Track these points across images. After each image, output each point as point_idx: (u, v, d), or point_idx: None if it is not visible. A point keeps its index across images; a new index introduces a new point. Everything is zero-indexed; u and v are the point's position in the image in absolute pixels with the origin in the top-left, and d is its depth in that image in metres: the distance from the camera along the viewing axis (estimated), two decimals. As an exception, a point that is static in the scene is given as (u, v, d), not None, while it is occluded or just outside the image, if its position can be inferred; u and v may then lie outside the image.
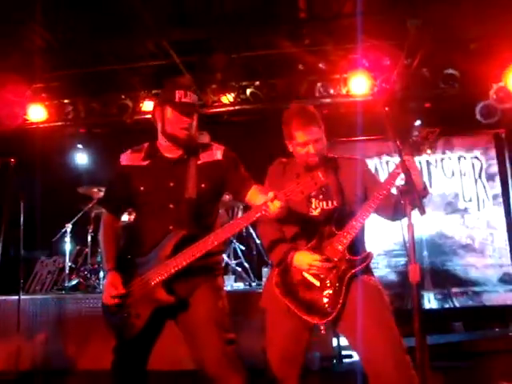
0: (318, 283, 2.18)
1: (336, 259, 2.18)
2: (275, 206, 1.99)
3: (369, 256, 2.21)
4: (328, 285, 2.17)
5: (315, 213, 2.30)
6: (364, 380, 2.17)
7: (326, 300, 2.15)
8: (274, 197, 1.99)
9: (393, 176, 2.17)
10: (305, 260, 2.18)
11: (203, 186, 2.23)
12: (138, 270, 2.18)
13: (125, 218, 5.05)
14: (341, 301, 2.12)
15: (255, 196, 2.24)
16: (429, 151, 2.22)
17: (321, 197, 2.32)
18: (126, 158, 2.34)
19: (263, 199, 2.05)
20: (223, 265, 4.91)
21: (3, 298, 4.78)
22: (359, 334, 2.09)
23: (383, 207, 2.24)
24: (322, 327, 2.14)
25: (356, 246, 2.22)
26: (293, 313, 2.15)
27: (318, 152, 2.27)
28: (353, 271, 2.16)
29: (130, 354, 2.21)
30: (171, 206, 2.21)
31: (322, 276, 2.18)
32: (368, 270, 2.27)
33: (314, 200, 2.31)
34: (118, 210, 2.40)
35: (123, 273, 2.21)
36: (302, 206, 2.28)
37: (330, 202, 2.31)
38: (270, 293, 2.26)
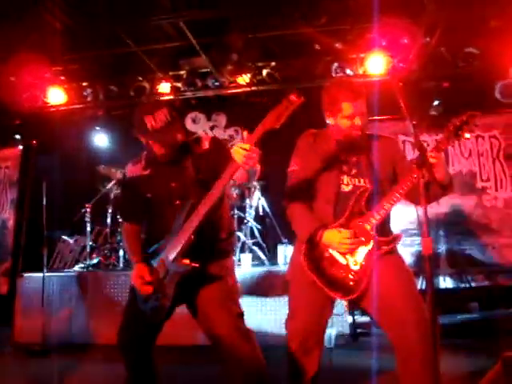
0: (344, 261, 2.21)
1: (364, 238, 2.19)
2: (237, 152, 1.99)
3: (398, 238, 2.23)
4: (354, 263, 2.20)
5: (347, 189, 2.29)
6: (379, 356, 2.22)
7: (351, 278, 2.18)
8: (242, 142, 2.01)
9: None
10: (334, 238, 2.19)
11: (201, 176, 2.33)
12: (159, 255, 2.29)
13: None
14: (366, 279, 2.15)
15: None
16: (467, 135, 2.17)
17: (353, 172, 2.30)
18: (129, 170, 2.50)
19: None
20: (238, 245, 5.04)
21: (28, 274, 4.95)
22: (383, 305, 2.12)
23: (412, 195, 2.20)
24: (345, 304, 2.19)
25: (384, 227, 2.24)
26: (318, 286, 2.19)
27: (363, 125, 2.27)
28: (380, 252, 2.19)
29: (140, 335, 2.32)
30: (177, 202, 2.32)
31: (349, 255, 2.21)
32: (394, 250, 2.28)
33: (345, 176, 2.30)
34: (135, 217, 2.52)
35: (149, 264, 2.32)
36: (334, 181, 2.29)
37: (361, 180, 2.29)
38: (297, 266, 2.29)
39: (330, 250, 2.23)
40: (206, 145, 2.40)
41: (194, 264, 2.17)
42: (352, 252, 2.20)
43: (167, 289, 2.21)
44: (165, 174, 2.37)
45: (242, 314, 2.29)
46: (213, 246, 2.32)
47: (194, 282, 2.23)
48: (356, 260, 2.20)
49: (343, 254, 2.22)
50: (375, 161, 2.31)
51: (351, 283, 2.18)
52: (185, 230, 2.19)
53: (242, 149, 1.99)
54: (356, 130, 2.26)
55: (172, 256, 2.20)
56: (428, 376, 1.98)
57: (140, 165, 2.46)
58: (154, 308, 2.24)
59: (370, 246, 2.20)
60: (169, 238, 2.26)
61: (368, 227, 2.20)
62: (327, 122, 2.36)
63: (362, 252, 2.20)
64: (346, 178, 2.30)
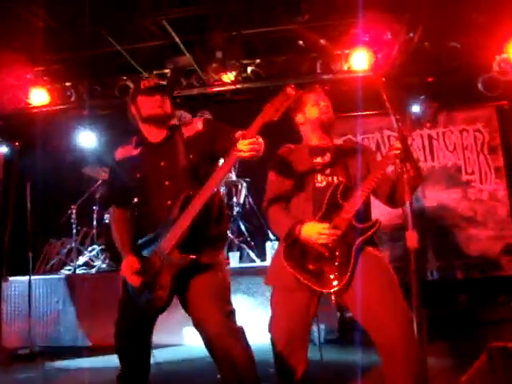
0: (326, 253, 2.22)
1: (344, 228, 2.21)
2: (244, 145, 2.02)
3: (377, 222, 2.24)
4: (337, 254, 2.21)
5: (321, 185, 2.34)
6: (367, 352, 2.23)
7: (335, 269, 2.19)
8: (241, 135, 2.05)
9: (390, 153, 2.21)
10: (314, 229, 2.22)
11: (191, 156, 2.32)
12: (151, 246, 2.26)
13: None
14: (350, 270, 2.16)
15: None
16: (428, 125, 2.28)
17: (327, 171, 2.37)
18: (118, 153, 2.48)
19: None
20: (226, 241, 5.03)
21: (14, 278, 4.89)
22: (365, 306, 2.14)
23: (382, 190, 2.32)
24: (332, 296, 2.20)
25: (363, 215, 2.26)
26: (302, 284, 2.20)
27: (329, 110, 2.44)
28: (361, 239, 2.21)
29: (136, 328, 2.29)
30: (166, 183, 2.31)
31: (330, 246, 2.22)
32: (375, 243, 2.31)
33: (319, 175, 2.36)
34: (124, 201, 2.49)
35: (140, 256, 2.29)
36: (309, 181, 2.34)
37: (335, 177, 2.35)
38: (278, 269, 2.30)
39: (312, 244, 2.23)
40: (198, 126, 2.39)
41: (191, 256, 2.16)
42: (332, 243, 2.21)
43: (163, 280, 2.19)
44: (154, 153, 2.36)
45: (232, 312, 2.27)
46: (205, 237, 2.29)
47: (186, 273, 2.21)
48: (338, 251, 2.21)
49: (324, 247, 2.22)
50: (348, 161, 2.41)
51: (336, 273, 2.18)
52: (181, 222, 2.17)
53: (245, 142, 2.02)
54: (325, 113, 2.42)
55: (167, 248, 2.18)
56: (412, 375, 2.00)
57: (130, 146, 2.45)
58: (149, 300, 2.21)
59: (351, 235, 2.22)
60: (162, 229, 2.23)
61: (347, 217, 2.22)
62: (299, 121, 2.51)
63: (343, 242, 2.22)
64: (319, 177, 2.37)
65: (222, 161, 2.31)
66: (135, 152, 2.41)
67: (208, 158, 2.37)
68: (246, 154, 2.04)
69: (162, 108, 2.34)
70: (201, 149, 2.33)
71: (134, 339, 2.29)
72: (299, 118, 2.50)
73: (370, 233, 2.23)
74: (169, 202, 2.26)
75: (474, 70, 5.51)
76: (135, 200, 2.45)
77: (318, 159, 2.41)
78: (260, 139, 2.10)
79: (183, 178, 2.28)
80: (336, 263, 2.20)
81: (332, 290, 2.18)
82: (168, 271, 2.19)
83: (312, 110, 2.44)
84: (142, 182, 2.36)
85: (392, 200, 2.33)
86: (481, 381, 2.08)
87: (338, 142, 2.60)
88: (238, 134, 2.08)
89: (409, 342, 1.97)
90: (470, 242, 5.03)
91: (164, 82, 2.47)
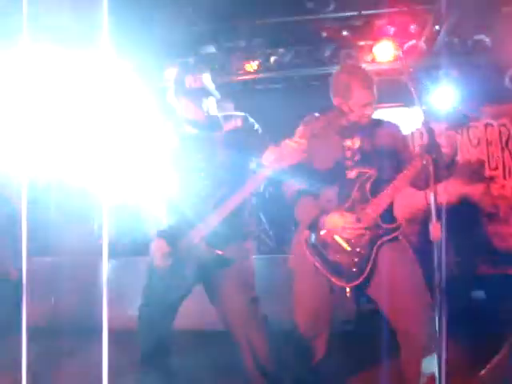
0: (348, 247, 2.21)
1: (368, 224, 2.20)
2: (291, 146, 2.06)
3: (401, 226, 2.24)
4: (358, 250, 2.20)
5: (351, 175, 2.30)
6: (384, 343, 2.24)
7: (354, 264, 2.19)
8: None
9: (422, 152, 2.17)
10: (338, 223, 2.20)
11: (229, 152, 2.33)
12: (179, 234, 2.30)
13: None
14: (369, 266, 2.16)
15: None
16: None
17: (356, 158, 2.31)
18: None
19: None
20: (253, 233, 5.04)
21: (36, 260, 4.97)
22: (389, 299, 2.16)
23: (418, 181, 2.25)
24: (347, 290, 2.19)
25: (388, 214, 2.25)
26: (320, 273, 2.21)
27: (371, 114, 2.30)
28: (384, 239, 2.20)
29: (160, 314, 2.33)
30: (202, 174, 2.33)
31: (352, 241, 2.21)
32: (399, 238, 2.30)
33: (349, 162, 2.31)
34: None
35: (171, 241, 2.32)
36: (338, 167, 2.29)
37: (365, 166, 2.30)
38: (300, 253, 2.31)
39: (334, 236, 2.22)
40: (238, 122, 2.39)
41: (218, 252, 2.20)
42: (355, 238, 2.20)
43: (187, 270, 2.24)
44: (192, 145, 2.37)
45: (256, 299, 2.31)
46: (233, 228, 2.31)
47: (212, 263, 2.25)
48: (360, 246, 2.20)
49: (346, 240, 2.21)
50: (379, 147, 2.31)
51: (354, 269, 2.18)
52: (214, 216, 2.20)
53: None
54: (365, 117, 2.27)
55: (196, 238, 2.22)
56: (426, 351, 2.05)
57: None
58: (172, 287, 2.26)
59: (374, 233, 2.20)
60: (193, 219, 2.25)
61: (373, 214, 2.19)
62: (335, 106, 2.34)
63: (366, 238, 2.20)
64: (349, 164, 2.30)
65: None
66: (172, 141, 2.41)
67: (243, 157, 2.39)
68: (288, 161, 2.09)
69: (205, 114, 2.33)
70: (237, 146, 2.34)
71: (157, 324, 2.34)
72: (338, 104, 2.31)
73: (392, 235, 2.21)
74: (203, 194, 2.29)
75: (502, 63, 5.42)
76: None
77: (348, 142, 2.33)
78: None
79: (219, 172, 2.31)
80: (356, 259, 2.19)
81: (348, 285, 2.18)
82: (193, 261, 2.23)
83: (355, 109, 2.25)
84: (178, 172, 2.38)
85: (415, 185, 2.29)
86: (501, 375, 2.08)
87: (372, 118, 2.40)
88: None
89: (429, 331, 2.00)
90: (491, 239, 4.97)
91: (210, 85, 2.34)
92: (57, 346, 3.93)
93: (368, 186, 2.24)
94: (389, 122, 2.46)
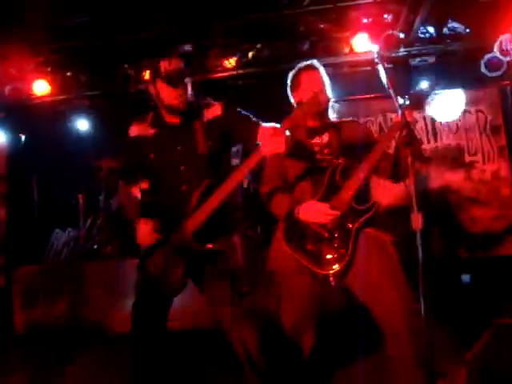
0: (326, 234, 2.22)
1: (343, 209, 2.21)
2: (271, 140, 2.04)
3: (375, 204, 2.24)
4: (336, 235, 2.21)
5: (321, 166, 2.35)
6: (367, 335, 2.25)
7: (334, 250, 2.19)
8: (272, 133, 2.05)
9: (392, 130, 2.23)
10: (312, 209, 2.22)
11: (210, 143, 2.31)
12: (165, 230, 2.27)
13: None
14: (350, 251, 2.16)
15: None
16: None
17: (325, 152, 2.38)
18: (133, 130, 2.45)
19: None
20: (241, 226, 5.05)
21: (23, 268, 4.94)
22: (366, 285, 2.13)
23: (383, 166, 2.32)
24: (331, 278, 2.18)
25: (362, 197, 2.27)
26: (303, 267, 2.20)
27: (325, 98, 2.38)
28: (360, 220, 2.21)
29: (153, 311, 2.32)
30: (182, 167, 2.30)
31: (329, 227, 2.22)
32: (376, 224, 2.30)
33: (319, 156, 2.38)
34: (135, 179, 2.50)
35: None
36: (307, 160, 2.35)
37: (334, 157, 2.36)
38: (278, 252, 2.32)
39: (311, 225, 2.23)
40: (218, 110, 2.37)
41: (208, 245, 2.20)
42: (331, 224, 2.21)
43: (178, 265, 2.22)
44: (171, 135, 2.34)
45: (247, 293, 2.30)
46: (220, 223, 2.30)
47: (200, 257, 2.25)
48: (338, 232, 2.21)
49: (323, 228, 2.22)
50: (345, 140, 2.40)
51: (336, 255, 2.18)
52: (201, 210, 2.18)
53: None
54: (318, 93, 2.25)
55: (185, 234, 2.20)
56: (416, 346, 2.01)
57: (145, 124, 2.42)
58: (162, 283, 2.25)
59: (350, 216, 2.21)
60: (178, 214, 2.23)
61: (346, 198, 2.21)
62: (294, 105, 2.47)
63: (342, 224, 2.21)
64: (318, 157, 2.37)
65: (237, 161, 2.31)
66: (151, 132, 2.38)
67: (225, 145, 2.38)
68: (271, 150, 2.05)
69: (183, 97, 2.30)
70: (219, 134, 2.32)
71: (150, 322, 2.32)
72: (294, 99, 2.48)
73: (368, 215, 2.22)
74: (183, 188, 2.27)
75: (477, 50, 5.49)
76: (145, 186, 2.45)
77: (316, 139, 2.42)
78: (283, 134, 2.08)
79: (200, 164, 2.28)
80: (335, 245, 2.20)
81: (331, 272, 2.17)
82: (183, 255, 2.22)
83: (306, 91, 2.37)
84: (156, 164, 2.35)
85: (394, 175, 2.33)
86: (486, 356, 2.12)
87: (335, 120, 2.56)
88: (262, 126, 2.09)
89: (413, 319, 2.00)
90: (473, 222, 5.05)
91: (184, 67, 2.34)
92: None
93: (338, 173, 2.29)
94: (350, 119, 2.59)
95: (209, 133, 2.32)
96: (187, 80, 2.35)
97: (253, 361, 2.22)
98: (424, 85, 5.63)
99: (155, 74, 2.31)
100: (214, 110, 2.37)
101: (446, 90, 5.02)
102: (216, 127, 2.33)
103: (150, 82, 2.36)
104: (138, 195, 2.47)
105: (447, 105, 5.07)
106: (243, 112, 2.37)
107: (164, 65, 2.28)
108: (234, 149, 2.40)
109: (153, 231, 2.26)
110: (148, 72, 2.47)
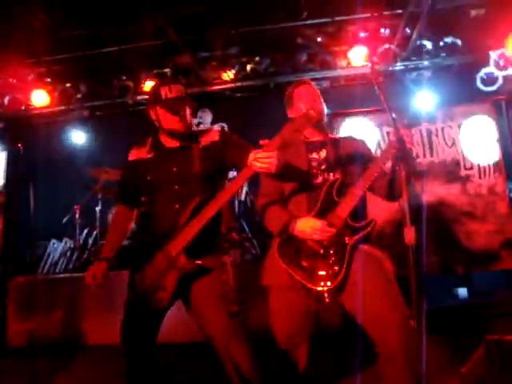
0: (321, 250, 2.20)
1: (339, 226, 2.20)
2: (260, 158, 2.04)
3: (372, 222, 2.22)
4: (331, 252, 2.19)
5: (317, 182, 2.34)
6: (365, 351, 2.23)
7: (329, 267, 2.16)
8: (259, 150, 2.05)
9: (389, 147, 2.23)
10: (308, 225, 2.20)
11: (205, 165, 2.35)
12: (157, 247, 2.27)
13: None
14: (344, 268, 2.13)
15: None
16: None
17: (323, 167, 2.37)
18: (132, 154, 2.51)
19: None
20: (231, 243, 5.06)
21: (19, 278, 4.93)
22: (362, 304, 2.10)
23: (379, 185, 2.30)
24: (325, 295, 2.14)
25: (358, 214, 2.25)
26: (296, 282, 2.17)
27: (320, 110, 2.40)
28: (356, 237, 2.19)
29: (142, 327, 2.32)
30: (176, 187, 2.33)
31: (324, 243, 2.20)
32: (371, 241, 2.28)
33: (316, 171, 2.36)
34: (131, 200, 2.54)
35: (145, 256, 2.31)
36: (305, 177, 2.34)
37: (331, 174, 2.35)
38: (272, 267, 2.30)
39: (306, 241, 2.22)
40: (215, 136, 2.41)
41: (198, 262, 2.20)
42: (327, 241, 2.20)
43: (167, 282, 2.22)
44: (167, 158, 2.37)
45: (236, 313, 2.27)
46: (211, 241, 2.32)
47: (190, 276, 2.25)
48: (333, 248, 2.19)
49: (318, 244, 2.21)
50: (344, 155, 2.40)
51: (330, 272, 2.15)
52: (190, 226, 2.19)
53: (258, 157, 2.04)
54: (313, 108, 2.24)
55: (175, 251, 2.20)
56: (412, 373, 1.99)
57: (144, 149, 2.46)
58: (151, 301, 2.24)
59: (345, 233, 2.20)
60: (170, 231, 2.24)
61: (342, 214, 2.21)
62: (290, 117, 2.48)
63: (338, 240, 2.20)
64: (316, 173, 2.36)
65: (234, 173, 2.33)
66: (149, 155, 2.43)
67: (220, 169, 2.41)
68: (260, 167, 2.05)
69: (183, 123, 2.33)
70: (215, 159, 2.35)
71: (140, 338, 2.31)
72: (291, 113, 2.49)
73: (364, 232, 2.20)
74: (177, 206, 2.29)
75: (473, 65, 5.55)
76: (143, 199, 2.48)
77: (314, 155, 2.40)
78: (274, 153, 2.06)
79: (194, 183, 2.30)
80: (330, 261, 2.17)
81: (325, 289, 2.14)
82: (173, 274, 2.21)
83: (300, 106, 2.38)
84: (152, 185, 2.39)
85: (390, 194, 2.31)
86: (479, 372, 2.12)
87: (334, 135, 2.60)
88: (253, 153, 2.08)
89: (408, 339, 1.98)
90: (469, 237, 5.05)
91: (187, 93, 2.39)
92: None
93: (335, 190, 2.28)
94: (349, 135, 2.61)
95: (205, 157, 2.36)
96: (187, 108, 2.37)
97: (245, 378, 2.20)
98: (420, 100, 5.70)
99: (155, 100, 2.34)
100: (212, 136, 2.42)
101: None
102: (213, 152, 2.37)
103: (150, 106, 2.39)
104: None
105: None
106: (240, 140, 2.42)
107: (165, 91, 2.30)
108: (230, 174, 2.42)
109: (96, 279, 2.35)
110: (149, 97, 2.44)
